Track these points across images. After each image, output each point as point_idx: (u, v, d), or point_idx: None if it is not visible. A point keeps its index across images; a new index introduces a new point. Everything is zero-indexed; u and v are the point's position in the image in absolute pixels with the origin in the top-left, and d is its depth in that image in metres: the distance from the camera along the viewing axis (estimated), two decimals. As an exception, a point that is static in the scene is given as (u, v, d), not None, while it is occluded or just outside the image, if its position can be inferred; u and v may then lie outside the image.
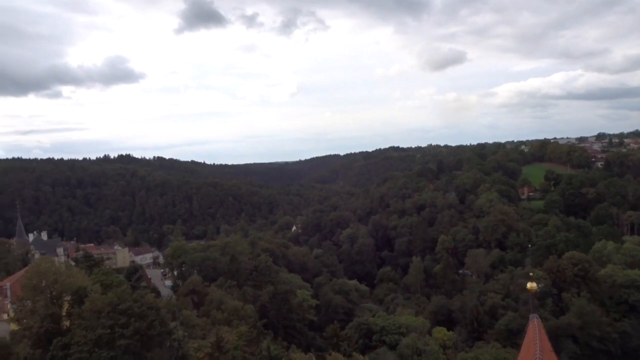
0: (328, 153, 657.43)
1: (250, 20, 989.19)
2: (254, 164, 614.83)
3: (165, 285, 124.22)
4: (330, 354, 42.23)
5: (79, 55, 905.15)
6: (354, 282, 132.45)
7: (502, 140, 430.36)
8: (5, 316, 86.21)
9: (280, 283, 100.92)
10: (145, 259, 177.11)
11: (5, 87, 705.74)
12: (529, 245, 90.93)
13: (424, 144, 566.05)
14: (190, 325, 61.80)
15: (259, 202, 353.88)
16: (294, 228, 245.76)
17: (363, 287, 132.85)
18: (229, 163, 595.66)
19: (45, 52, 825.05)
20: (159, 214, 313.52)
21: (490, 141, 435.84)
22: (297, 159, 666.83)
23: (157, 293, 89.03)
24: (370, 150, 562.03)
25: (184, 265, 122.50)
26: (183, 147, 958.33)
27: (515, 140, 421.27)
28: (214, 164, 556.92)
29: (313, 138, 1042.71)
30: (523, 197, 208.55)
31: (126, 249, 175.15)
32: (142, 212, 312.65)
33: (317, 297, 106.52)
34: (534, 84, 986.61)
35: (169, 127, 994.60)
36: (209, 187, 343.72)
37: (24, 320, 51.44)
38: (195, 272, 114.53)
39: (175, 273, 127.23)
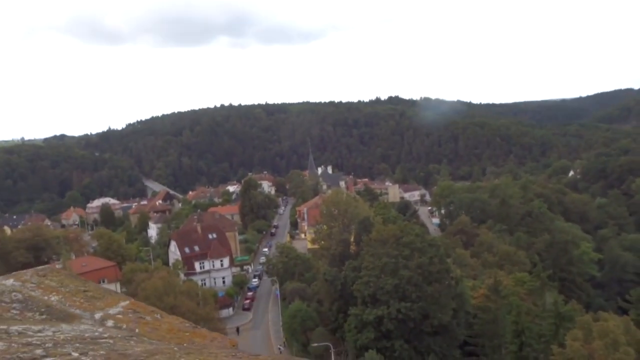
0: (617, 87, 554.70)
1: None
2: (525, 102, 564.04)
3: (432, 223, 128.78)
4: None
5: None
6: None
7: None
8: (303, 236, 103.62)
9: (557, 232, 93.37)
10: (413, 196, 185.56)
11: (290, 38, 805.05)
12: None
13: None
14: (462, 265, 62.88)
15: (530, 144, 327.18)
16: (571, 173, 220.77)
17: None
18: (497, 102, 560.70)
19: None
20: (425, 153, 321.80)
21: None
22: (577, 95, 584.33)
23: (426, 230, 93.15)
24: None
25: (451, 204, 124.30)
26: (448, 87, 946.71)
27: None
28: (480, 103, 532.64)
29: (597, 69, 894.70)
30: None
31: (396, 186, 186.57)
32: (409, 151, 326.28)
33: (600, 252, 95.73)
34: None
35: (431, 65, 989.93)
36: (475, 127, 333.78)
37: (322, 242, 60.76)
38: (463, 212, 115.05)
39: (443, 212, 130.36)
